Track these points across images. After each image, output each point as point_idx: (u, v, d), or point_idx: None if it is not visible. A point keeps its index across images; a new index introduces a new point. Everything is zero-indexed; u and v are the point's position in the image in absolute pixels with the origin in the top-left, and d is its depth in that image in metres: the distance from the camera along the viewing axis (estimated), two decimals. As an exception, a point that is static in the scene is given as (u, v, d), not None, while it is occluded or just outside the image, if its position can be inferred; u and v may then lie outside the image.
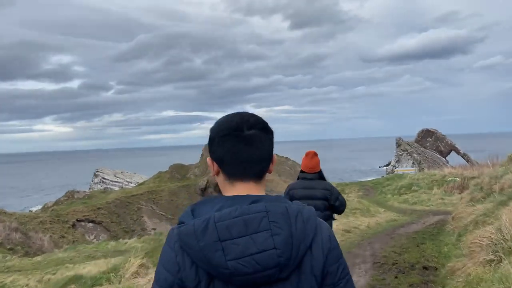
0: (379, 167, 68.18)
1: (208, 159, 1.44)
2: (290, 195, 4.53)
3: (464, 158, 48.08)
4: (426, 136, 52.05)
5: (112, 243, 17.53)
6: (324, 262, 1.34)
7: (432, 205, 15.69)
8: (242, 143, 1.36)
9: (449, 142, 52.19)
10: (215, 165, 1.41)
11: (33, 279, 10.44)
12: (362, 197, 19.55)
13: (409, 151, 47.23)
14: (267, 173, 1.43)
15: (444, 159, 50.03)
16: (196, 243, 1.26)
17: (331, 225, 4.63)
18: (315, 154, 4.59)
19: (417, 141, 51.04)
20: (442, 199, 16.26)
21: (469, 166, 30.46)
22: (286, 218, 1.29)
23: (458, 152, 51.07)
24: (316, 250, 1.34)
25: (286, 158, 45.91)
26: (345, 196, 5.97)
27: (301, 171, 4.63)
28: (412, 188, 19.98)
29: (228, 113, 1.44)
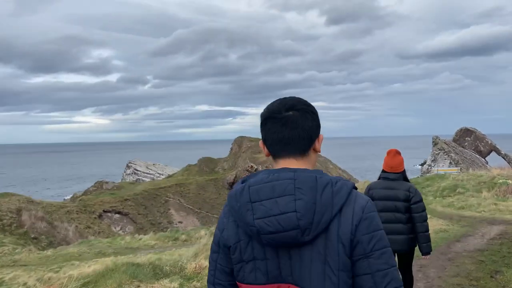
0: (413, 165, 65.11)
1: (260, 142, 1.52)
2: (370, 195, 4.26)
3: (505, 159, 45.41)
4: (465, 135, 49.68)
5: (128, 238, 16.28)
6: (352, 231, 1.33)
7: (484, 211, 13.52)
8: (278, 124, 1.43)
9: (489, 142, 49.44)
10: (264, 146, 1.50)
11: (33, 277, 9.28)
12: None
13: (446, 150, 44.87)
14: (315, 151, 1.48)
15: (483, 159, 47.48)
16: (236, 204, 1.39)
17: (413, 241, 4.26)
18: (398, 152, 4.30)
19: (455, 140, 48.78)
20: (495, 204, 14.03)
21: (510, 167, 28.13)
22: (312, 186, 1.33)
23: (499, 152, 48.30)
24: (345, 219, 1.33)
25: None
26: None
27: (383, 171, 4.33)
28: (457, 190, 17.74)
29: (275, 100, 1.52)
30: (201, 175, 42.25)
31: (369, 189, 4.37)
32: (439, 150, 44.62)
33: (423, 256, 4.25)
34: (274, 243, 1.33)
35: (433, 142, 46.50)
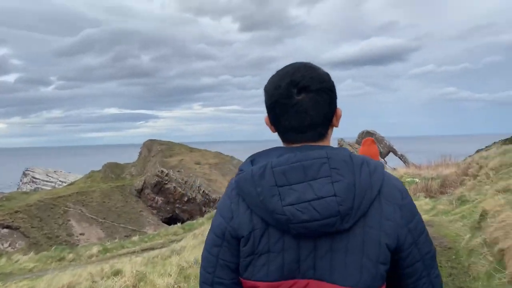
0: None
1: (266, 118, 1.29)
2: None
3: (401, 159, 48.11)
4: (366, 137, 51.63)
5: (3, 260, 13.33)
6: (398, 221, 1.15)
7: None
8: (291, 110, 1.20)
9: (388, 144, 52.15)
10: (271, 125, 1.29)
11: None
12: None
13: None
14: (332, 128, 1.28)
15: (383, 160, 49.94)
16: (254, 189, 1.15)
17: None
18: (373, 142, 4.70)
19: (358, 142, 50.62)
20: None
21: (407, 167, 29.65)
22: (349, 165, 1.13)
23: (395, 153, 51.17)
24: (385, 204, 1.15)
25: (232, 157, 42.81)
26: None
27: None
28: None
29: (284, 66, 1.26)
30: (106, 182, 38.77)
31: None
32: (345, 151, 46.24)
33: None
34: (306, 233, 1.11)
35: (338, 144, 47.99)
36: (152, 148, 42.68)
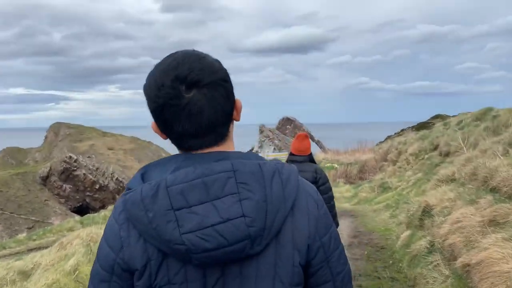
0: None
1: (153, 124, 1.07)
2: None
3: (318, 145, 49.38)
4: (286, 123, 52.81)
5: None
6: (311, 233, 1.02)
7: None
8: (183, 113, 0.98)
9: (306, 130, 53.46)
10: (161, 132, 1.07)
11: None
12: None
13: (270, 137, 46.97)
14: (233, 123, 1.10)
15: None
16: (145, 214, 0.94)
17: None
18: (306, 136, 4.31)
19: (278, 128, 51.33)
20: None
21: (324, 152, 29.97)
22: (258, 177, 0.97)
23: (313, 139, 52.36)
24: (299, 218, 1.01)
25: (149, 142, 40.26)
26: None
27: (291, 154, 4.35)
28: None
29: (164, 58, 1.04)
30: (5, 169, 34.36)
31: None
32: (265, 137, 46.29)
33: None
34: (211, 262, 0.94)
35: (259, 130, 48.22)
36: (60, 131, 38.72)
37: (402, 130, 39.05)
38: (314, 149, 42.02)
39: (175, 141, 1.05)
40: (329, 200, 4.16)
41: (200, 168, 0.95)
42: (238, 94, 1.13)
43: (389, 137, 36.73)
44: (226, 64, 1.12)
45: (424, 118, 35.68)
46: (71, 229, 11.84)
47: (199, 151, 1.03)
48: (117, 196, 31.52)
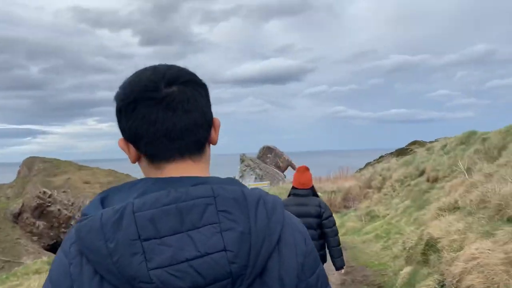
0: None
1: (120, 141, 0.93)
2: None
3: (299, 173, 49.29)
4: (267, 152, 52.80)
5: None
6: (299, 271, 0.89)
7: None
8: (160, 107, 0.87)
9: (286, 158, 53.64)
10: (131, 146, 0.92)
11: None
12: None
13: (252, 166, 46.93)
14: (210, 146, 0.96)
15: (282, 174, 50.72)
16: (104, 245, 0.78)
17: (324, 258, 4.13)
18: (307, 169, 4.17)
19: (259, 157, 51.25)
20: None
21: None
22: (242, 205, 0.83)
23: (294, 167, 52.28)
24: (286, 253, 0.88)
25: (127, 175, 39.01)
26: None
27: (293, 187, 4.21)
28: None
29: (138, 70, 0.93)
30: (-26, 207, 32.60)
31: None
32: (246, 166, 46.07)
33: (337, 271, 4.19)
34: None
35: (240, 159, 48.05)
36: (33, 166, 37.29)
37: (381, 157, 39.15)
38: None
39: (146, 148, 0.87)
40: (333, 234, 4.00)
41: (174, 193, 0.81)
42: (218, 124, 1.02)
43: (369, 164, 36.70)
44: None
45: (401, 144, 35.99)
46: (37, 271, 10.83)
47: (177, 162, 0.88)
48: (93, 232, 30.26)
